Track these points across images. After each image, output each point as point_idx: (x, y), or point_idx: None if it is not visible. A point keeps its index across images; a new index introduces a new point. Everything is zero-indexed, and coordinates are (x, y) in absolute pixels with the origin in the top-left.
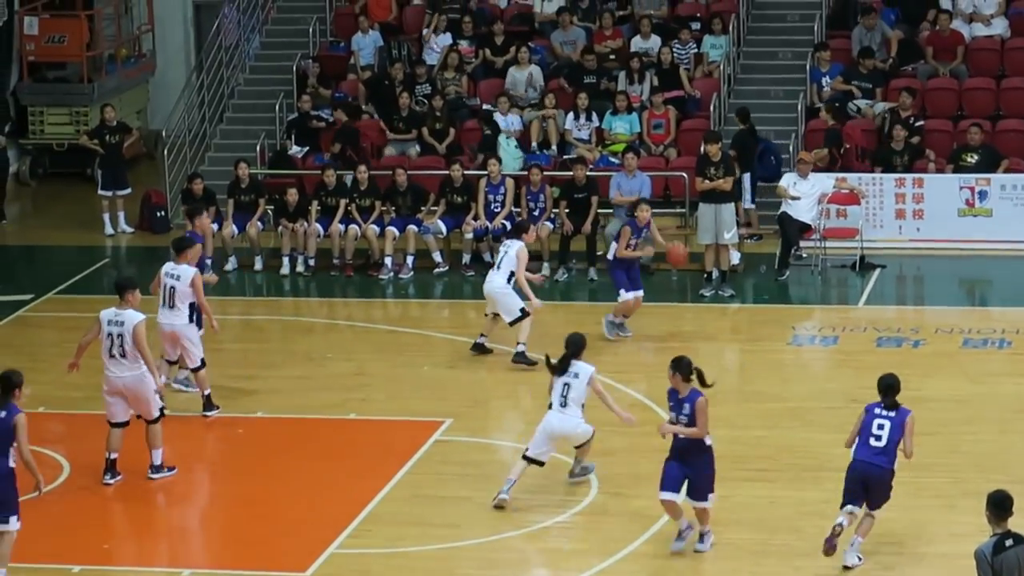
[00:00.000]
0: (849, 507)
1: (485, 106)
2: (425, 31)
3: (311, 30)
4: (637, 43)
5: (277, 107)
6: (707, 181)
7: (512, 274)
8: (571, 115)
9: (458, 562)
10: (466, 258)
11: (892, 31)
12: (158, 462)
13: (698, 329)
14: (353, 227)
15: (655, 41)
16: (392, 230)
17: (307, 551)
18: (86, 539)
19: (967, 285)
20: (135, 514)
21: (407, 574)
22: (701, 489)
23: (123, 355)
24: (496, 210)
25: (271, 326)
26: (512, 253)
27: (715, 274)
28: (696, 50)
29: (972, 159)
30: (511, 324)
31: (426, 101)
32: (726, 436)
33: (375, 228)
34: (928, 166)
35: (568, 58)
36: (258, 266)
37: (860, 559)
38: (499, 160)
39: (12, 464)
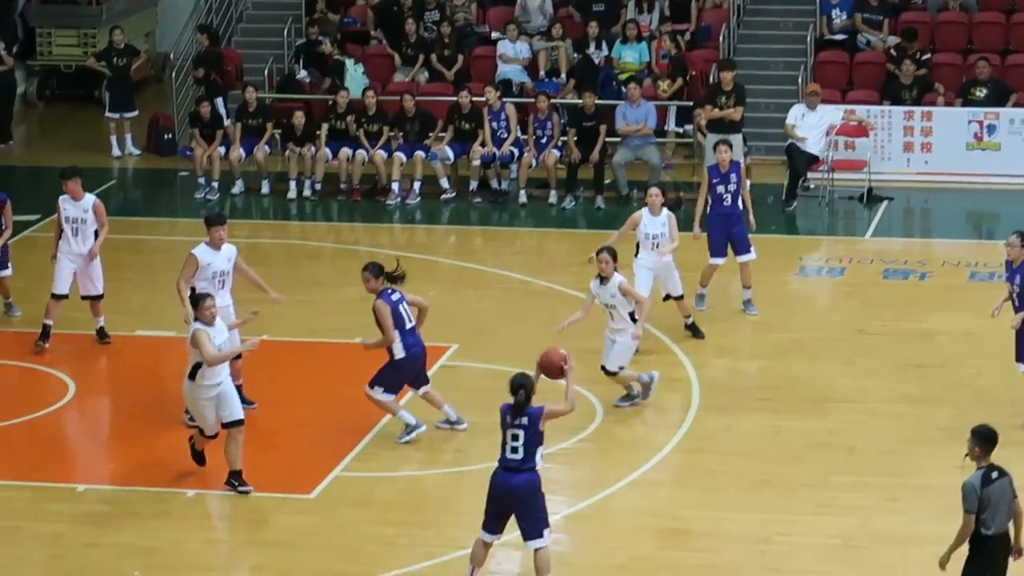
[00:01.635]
0: None
1: (494, 34)
2: None
3: None
4: None
5: (285, 31)
6: (716, 110)
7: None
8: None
9: (462, 487)
10: (473, 185)
11: None
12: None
13: (704, 258)
14: (360, 152)
15: None
16: (400, 156)
17: (312, 474)
18: (91, 459)
19: (974, 218)
20: (141, 436)
21: (411, 498)
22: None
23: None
24: (503, 137)
25: (277, 250)
26: None
27: None
28: None
29: (981, 93)
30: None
31: (435, 27)
32: (732, 366)
33: (383, 153)
34: (937, 99)
35: None
36: (265, 190)
37: None
38: (496, 87)
39: None
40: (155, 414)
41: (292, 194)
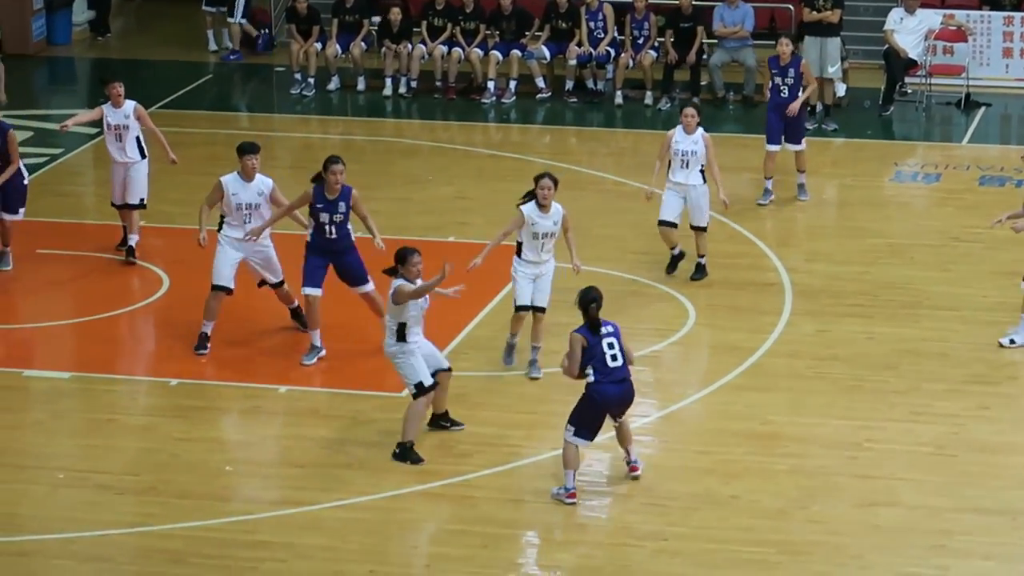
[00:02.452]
0: None
1: None
2: None
3: None
4: None
5: None
6: (815, 12)
7: None
8: None
9: (556, 385)
10: (569, 84)
11: None
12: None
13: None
14: (456, 50)
15: None
16: (495, 54)
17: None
18: (184, 353)
19: None
20: (231, 331)
21: (502, 398)
22: None
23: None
24: (600, 37)
25: (372, 147)
26: None
27: (819, 108)
28: None
29: None
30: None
31: None
32: (826, 271)
33: (479, 52)
34: None
35: None
36: (360, 87)
37: None
38: None
39: None
40: (246, 310)
41: (387, 91)
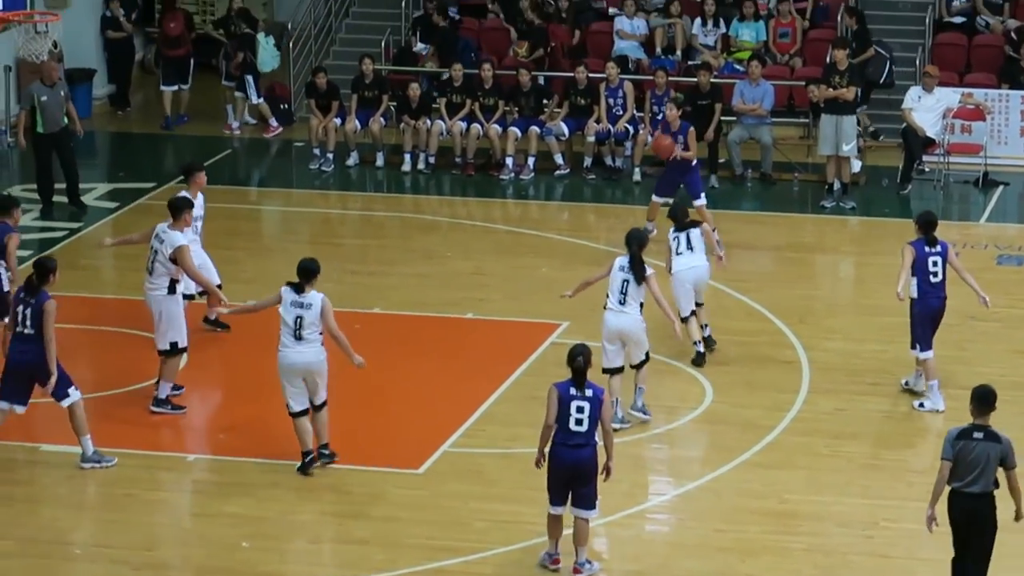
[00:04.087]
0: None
1: (611, 9)
2: None
3: None
4: None
5: (403, 4)
6: (830, 89)
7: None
8: (698, 21)
9: None
10: (587, 161)
11: None
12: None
13: (818, 240)
14: (475, 126)
15: None
16: (514, 130)
17: (420, 449)
18: (201, 429)
19: None
20: (249, 407)
21: (520, 475)
22: None
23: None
24: (619, 113)
25: (391, 222)
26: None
27: (836, 185)
28: None
29: None
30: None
31: (552, 2)
32: (843, 348)
33: (497, 128)
34: None
35: None
36: (379, 162)
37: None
38: (616, 63)
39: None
40: (265, 385)
41: (406, 167)
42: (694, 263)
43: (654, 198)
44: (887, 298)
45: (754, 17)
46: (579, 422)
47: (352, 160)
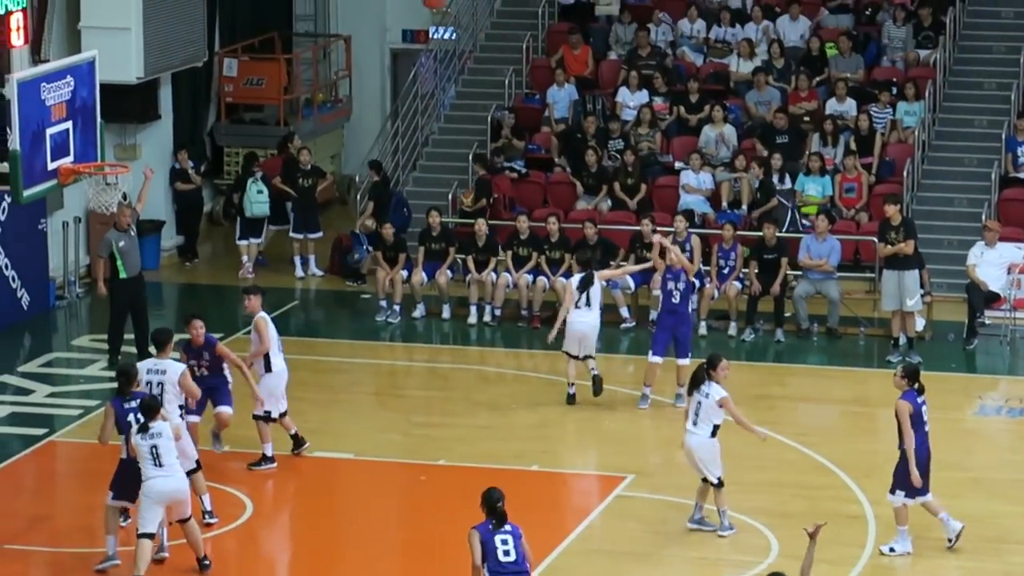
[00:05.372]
0: None
1: (677, 163)
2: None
3: (507, 81)
4: (832, 105)
5: (470, 156)
6: (888, 246)
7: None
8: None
9: None
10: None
11: None
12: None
13: (884, 395)
14: (541, 279)
15: (850, 104)
16: None
17: None
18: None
19: None
20: (316, 553)
21: None
22: None
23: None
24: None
25: (456, 374)
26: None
27: (902, 340)
28: (891, 115)
29: None
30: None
31: (619, 156)
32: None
33: (563, 280)
34: None
35: (761, 118)
36: (446, 314)
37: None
38: (685, 217)
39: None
40: (330, 537)
41: (472, 319)
42: (585, 317)
43: (651, 358)
44: (954, 452)
45: (820, 172)
46: (507, 552)
47: (418, 312)
